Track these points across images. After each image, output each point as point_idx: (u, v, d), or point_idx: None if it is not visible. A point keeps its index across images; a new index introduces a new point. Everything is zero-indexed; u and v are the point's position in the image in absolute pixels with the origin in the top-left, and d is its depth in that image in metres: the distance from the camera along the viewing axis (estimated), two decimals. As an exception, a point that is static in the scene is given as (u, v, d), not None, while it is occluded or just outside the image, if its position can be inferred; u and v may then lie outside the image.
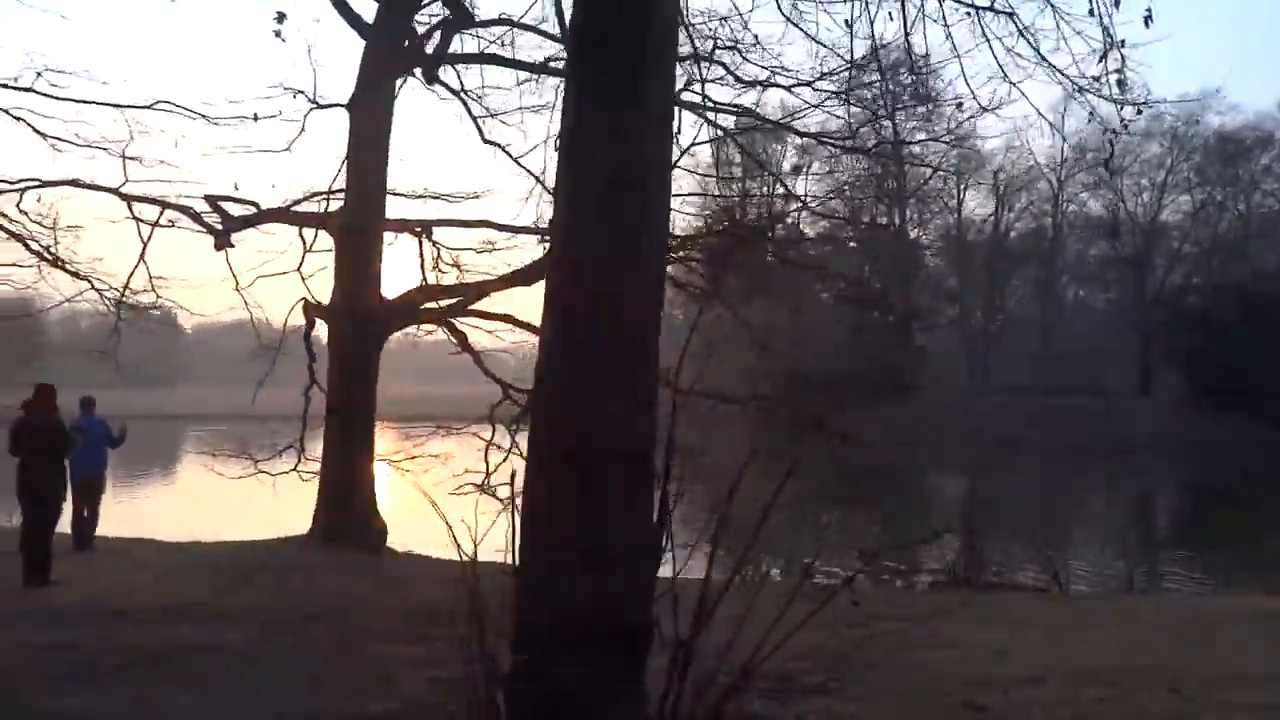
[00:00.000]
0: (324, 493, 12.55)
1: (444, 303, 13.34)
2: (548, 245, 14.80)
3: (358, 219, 12.62)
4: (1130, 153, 45.57)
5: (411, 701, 5.45)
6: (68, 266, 12.80)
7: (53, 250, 12.56)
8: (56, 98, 11.76)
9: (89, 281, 13.11)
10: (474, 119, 15.59)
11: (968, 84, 7.25)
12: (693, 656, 4.52)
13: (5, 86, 11.44)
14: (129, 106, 12.82)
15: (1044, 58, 6.99)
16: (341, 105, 13.22)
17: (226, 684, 5.75)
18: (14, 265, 12.51)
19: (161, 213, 13.95)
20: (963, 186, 55.25)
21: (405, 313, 13.16)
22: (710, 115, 13.91)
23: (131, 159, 12.71)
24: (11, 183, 13.44)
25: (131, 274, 14.24)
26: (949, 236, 54.85)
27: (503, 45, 15.08)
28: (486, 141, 15.65)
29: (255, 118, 12.66)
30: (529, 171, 15.40)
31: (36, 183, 13.59)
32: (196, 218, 13.82)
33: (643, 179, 4.50)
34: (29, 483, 9.23)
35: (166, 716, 5.16)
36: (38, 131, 12.10)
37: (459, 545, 4.71)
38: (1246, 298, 43.06)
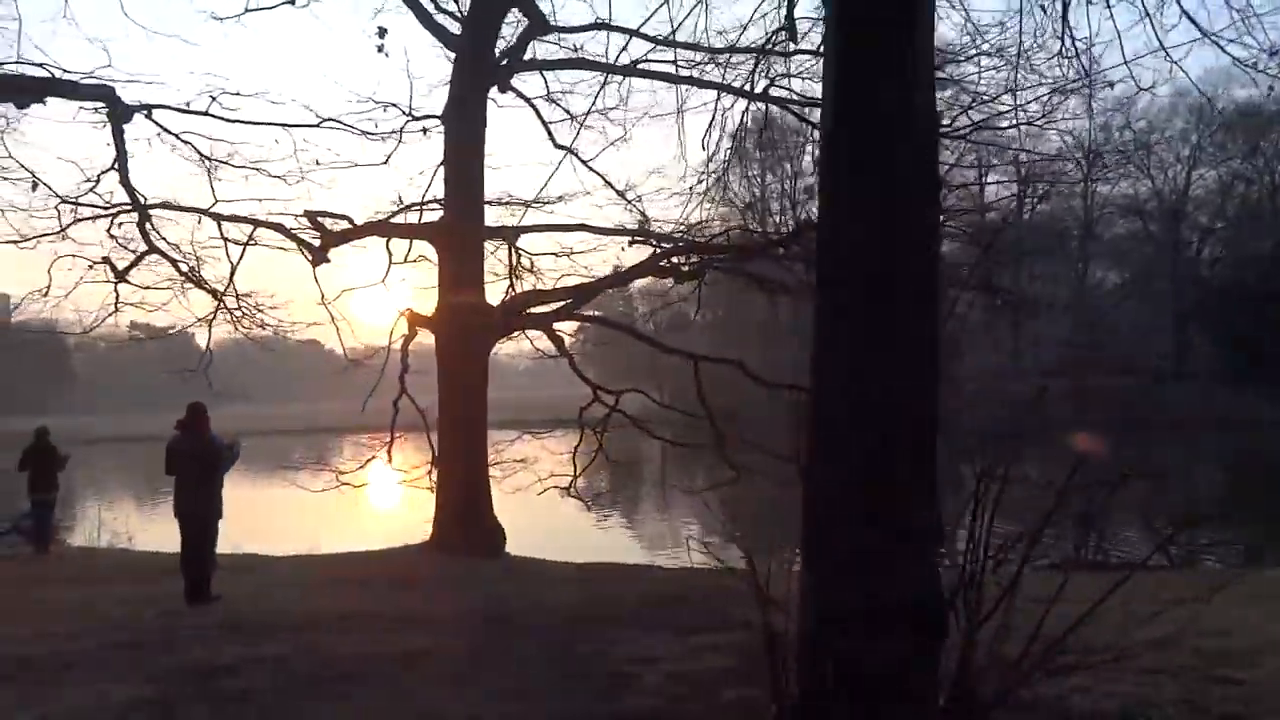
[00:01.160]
0: (442, 500, 12.68)
1: (550, 307, 13.44)
2: (638, 245, 14.97)
3: (459, 228, 12.74)
4: (1156, 129, 45.51)
5: (664, 696, 5.55)
6: (206, 286, 12.95)
7: (197, 271, 12.73)
8: (230, 120, 11.89)
9: (222, 301, 13.25)
10: (544, 125, 15.74)
11: (1126, 64, 7.25)
12: (977, 638, 4.64)
13: (184, 111, 11.55)
14: (297, 125, 13.01)
15: (1203, 31, 7.07)
16: (436, 117, 13.35)
17: (472, 686, 5.86)
18: (147, 288, 12.65)
19: (253, 231, 14.06)
20: (984, 171, 55.31)
21: (511, 318, 13.27)
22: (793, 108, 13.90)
23: (276, 177, 12.94)
24: (105, 208, 13.60)
25: (224, 293, 14.38)
26: (973, 221, 54.69)
27: (575, 50, 15.25)
28: (558, 146, 15.80)
29: (426, 131, 12.92)
30: (599, 175, 15.59)
31: (128, 207, 13.74)
32: (289, 234, 13.96)
33: (914, 168, 4.58)
34: (185, 502, 9.36)
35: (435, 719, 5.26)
36: (201, 154, 12.24)
37: (743, 547, 4.86)
38: (1275, 270, 42.83)
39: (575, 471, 16.01)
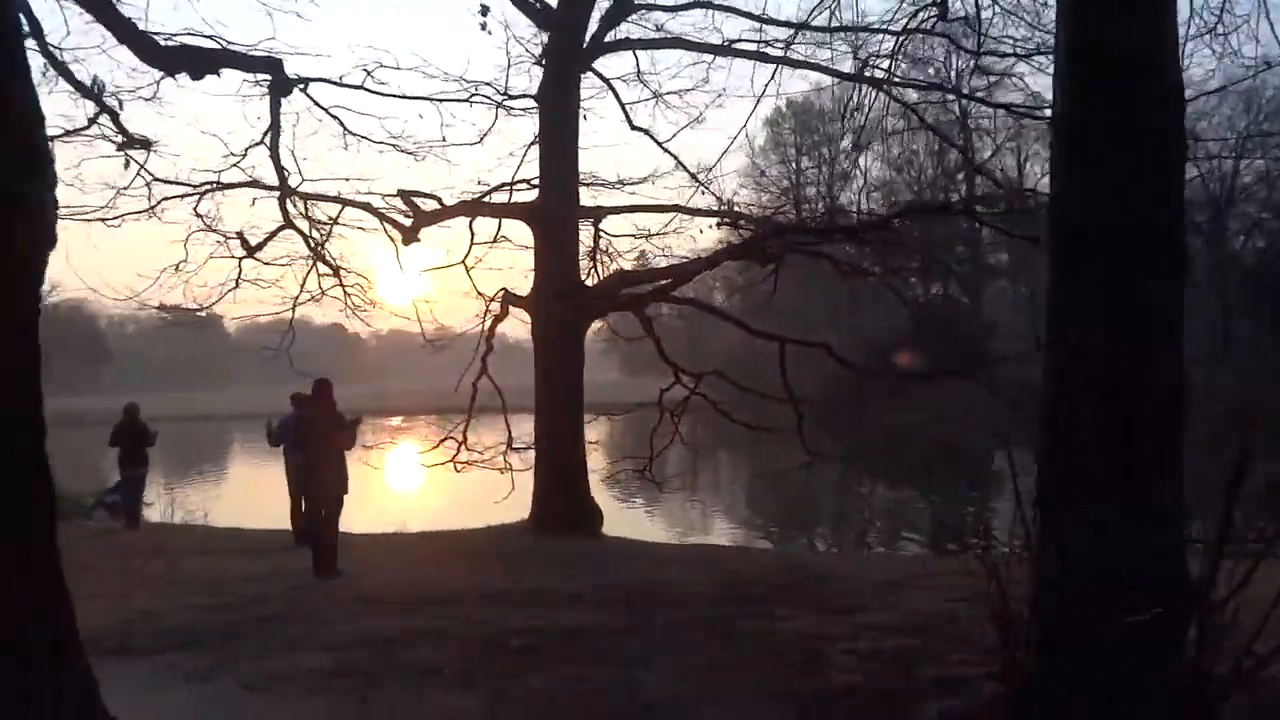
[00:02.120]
0: (541, 479, 12.71)
1: (644, 288, 13.41)
2: (724, 227, 14.91)
3: (557, 208, 12.72)
4: (1204, 116, 44.83)
5: (861, 673, 5.53)
6: (330, 262, 13.02)
7: (324, 247, 12.80)
8: (384, 94, 11.92)
9: (338, 278, 13.29)
10: (622, 106, 15.69)
11: (1274, 31, 7.11)
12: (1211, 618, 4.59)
13: (340, 85, 11.56)
14: (445, 100, 13.02)
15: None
16: (530, 96, 13.31)
17: (658, 661, 5.85)
18: (267, 263, 12.72)
19: (341, 210, 14.05)
20: (1023, 156, 55.16)
21: (608, 299, 13.25)
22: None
23: (406, 151, 12.96)
24: (194, 186, 13.64)
25: (307, 276, 14.40)
26: (1011, 207, 54.24)
27: (657, 29, 15.18)
28: (634, 128, 15.77)
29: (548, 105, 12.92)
30: (673, 156, 15.53)
31: (215, 185, 13.78)
32: (377, 214, 13.95)
33: (1163, 144, 4.50)
34: (311, 476, 9.41)
35: (643, 693, 5.26)
36: (345, 129, 12.28)
37: (978, 532, 4.80)
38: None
39: (651, 453, 16.03)
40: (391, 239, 14.38)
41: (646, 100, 15.82)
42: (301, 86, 10.92)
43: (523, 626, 6.88)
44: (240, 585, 8.96)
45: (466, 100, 12.93)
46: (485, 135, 13.44)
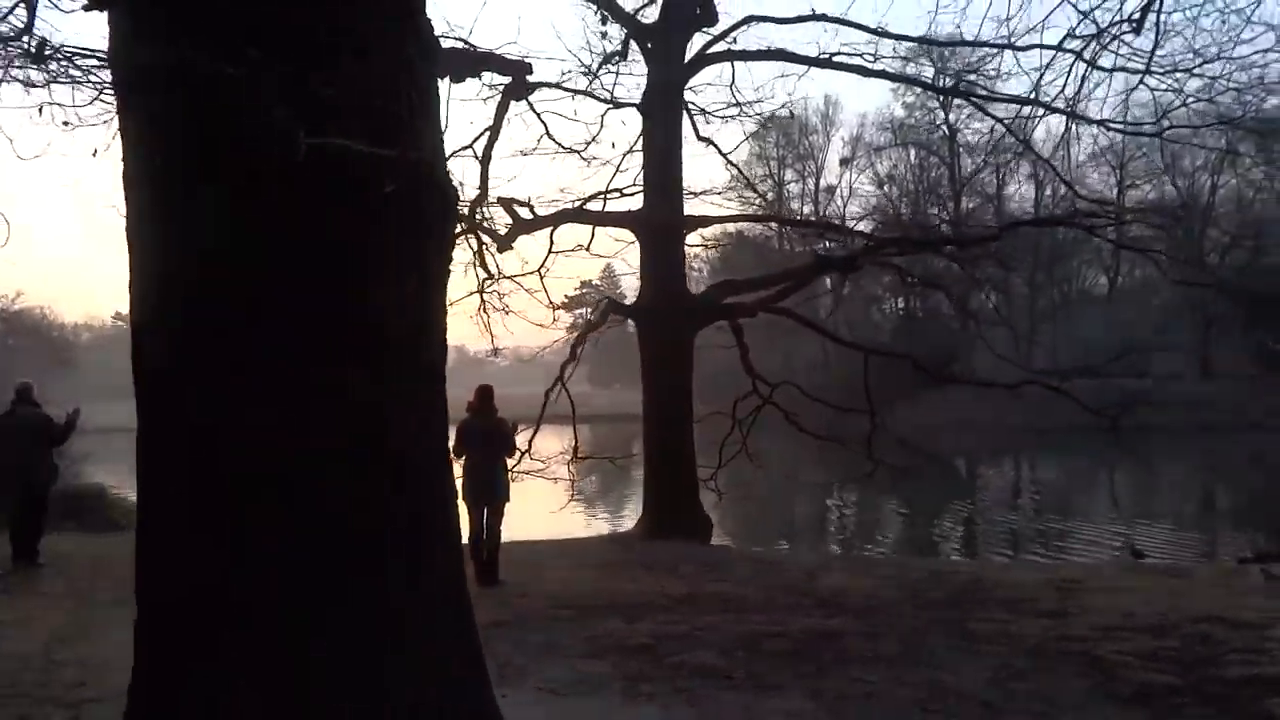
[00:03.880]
0: (651, 487, 12.74)
1: (749, 297, 13.53)
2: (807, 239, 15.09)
3: (664, 216, 12.78)
4: (1183, 139, 46.24)
5: (1160, 672, 5.67)
6: (487, 265, 12.97)
7: (487, 251, 12.74)
8: (595, 97, 11.87)
9: (484, 286, 13.23)
10: (690, 117, 15.84)
11: None
12: None
13: (558, 87, 11.50)
14: (628, 105, 12.96)
15: None
16: (635, 105, 13.38)
17: (943, 663, 5.95)
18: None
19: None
20: (1003, 173, 56.59)
21: (715, 308, 13.33)
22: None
23: (583, 160, 13.19)
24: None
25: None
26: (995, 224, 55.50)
27: (733, 43, 15.37)
28: (700, 138, 15.94)
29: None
30: (736, 167, 15.74)
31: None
32: (476, 224, 13.91)
33: None
34: (479, 484, 9.33)
35: (969, 693, 5.35)
36: (548, 134, 12.28)
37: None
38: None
39: (720, 462, 16.13)
40: (472, 246, 14.38)
41: (720, 112, 16.10)
42: (529, 90, 10.87)
43: (758, 631, 6.91)
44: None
45: (572, 93, 13.00)
46: (592, 141, 13.52)
